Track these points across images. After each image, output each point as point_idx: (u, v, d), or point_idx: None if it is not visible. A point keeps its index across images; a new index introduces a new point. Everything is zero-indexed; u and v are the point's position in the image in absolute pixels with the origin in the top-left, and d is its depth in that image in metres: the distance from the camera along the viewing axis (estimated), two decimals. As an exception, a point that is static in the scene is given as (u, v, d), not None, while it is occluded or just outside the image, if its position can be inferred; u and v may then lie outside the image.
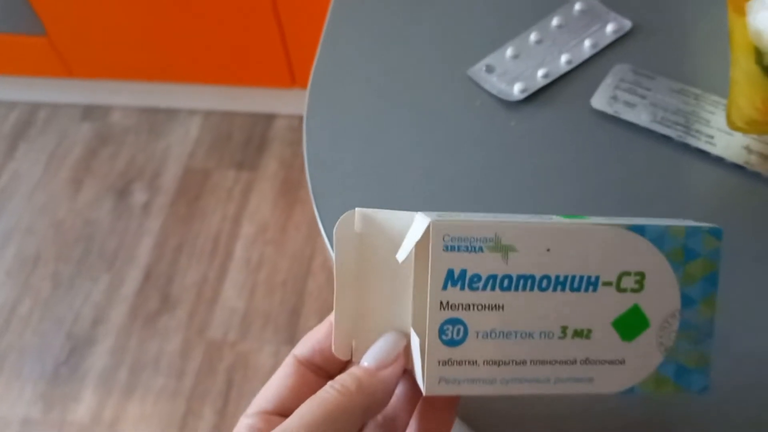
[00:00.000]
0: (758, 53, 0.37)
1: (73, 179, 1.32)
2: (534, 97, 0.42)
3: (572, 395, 0.25)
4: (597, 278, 0.24)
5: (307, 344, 0.27)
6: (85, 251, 1.23)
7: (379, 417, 0.27)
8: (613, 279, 0.24)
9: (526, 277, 0.24)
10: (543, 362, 0.24)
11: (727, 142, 0.39)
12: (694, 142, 0.39)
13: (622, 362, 0.24)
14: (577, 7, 0.46)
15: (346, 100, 0.43)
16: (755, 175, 0.38)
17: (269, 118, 1.37)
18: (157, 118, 1.39)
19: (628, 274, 0.24)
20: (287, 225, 1.23)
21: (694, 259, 0.25)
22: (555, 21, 0.45)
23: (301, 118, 0.44)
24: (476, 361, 0.24)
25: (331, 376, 0.26)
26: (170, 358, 1.10)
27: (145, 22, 1.18)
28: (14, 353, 1.12)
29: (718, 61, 0.42)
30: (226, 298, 1.16)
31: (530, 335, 0.24)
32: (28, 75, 1.36)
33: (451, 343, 0.24)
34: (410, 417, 0.27)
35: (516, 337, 0.24)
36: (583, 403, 0.32)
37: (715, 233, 0.25)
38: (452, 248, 0.24)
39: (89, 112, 1.42)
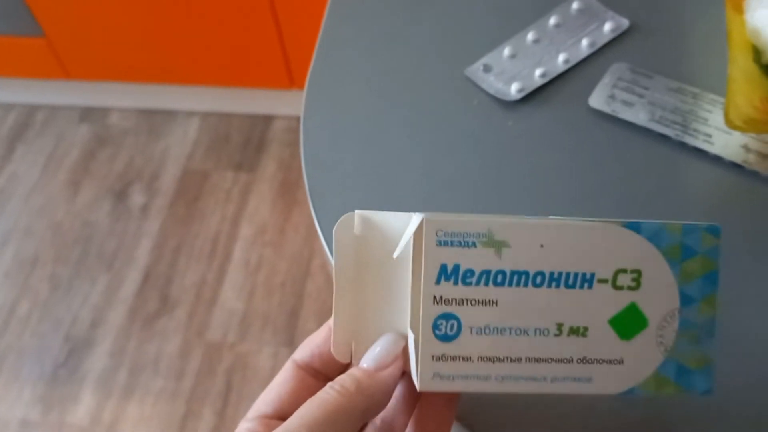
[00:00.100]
0: (756, 51, 0.37)
1: (72, 181, 1.32)
2: (531, 96, 0.42)
3: (571, 396, 0.25)
4: (592, 275, 0.24)
5: (306, 349, 0.27)
6: (83, 253, 1.23)
7: (378, 420, 0.27)
8: (609, 276, 0.24)
9: (519, 273, 0.24)
10: (539, 360, 0.24)
11: (725, 140, 0.39)
12: (692, 140, 0.39)
13: (620, 362, 0.24)
14: (575, 6, 0.45)
15: (343, 100, 0.43)
16: (753, 174, 0.38)
17: (268, 120, 1.37)
18: (155, 120, 1.39)
19: (624, 271, 0.24)
20: (286, 226, 1.23)
21: (691, 256, 0.25)
22: (552, 20, 0.45)
23: (299, 119, 0.44)
24: (470, 357, 0.24)
25: (330, 380, 0.26)
26: (169, 359, 1.10)
27: (143, 24, 1.17)
28: (13, 355, 1.12)
29: (716, 60, 0.42)
30: (225, 299, 1.15)
31: (525, 332, 0.24)
32: (26, 77, 1.36)
33: (445, 338, 0.24)
34: (408, 420, 0.27)
35: (510, 333, 0.24)
36: (583, 404, 0.32)
37: (714, 231, 0.25)
38: (445, 243, 0.24)
39: (87, 113, 1.42)
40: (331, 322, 0.27)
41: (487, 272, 0.24)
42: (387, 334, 0.26)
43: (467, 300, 0.24)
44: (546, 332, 0.24)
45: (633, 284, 0.24)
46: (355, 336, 0.26)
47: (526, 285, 0.24)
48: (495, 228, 0.24)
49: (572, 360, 0.24)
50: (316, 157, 0.41)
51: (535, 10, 0.46)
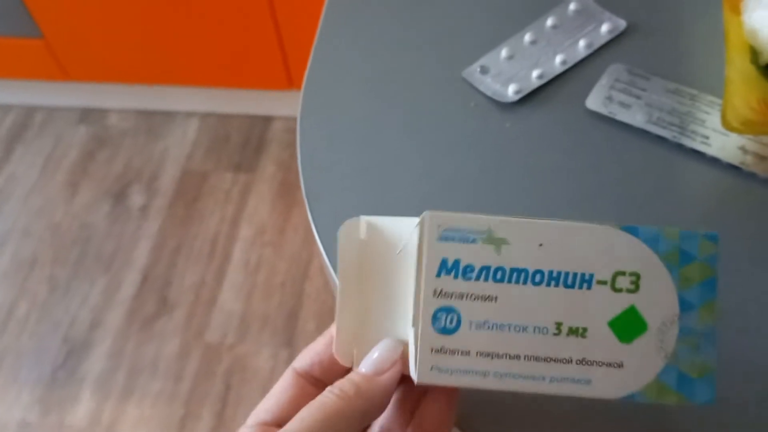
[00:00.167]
0: (754, 52, 0.37)
1: (70, 182, 1.32)
2: (529, 98, 0.42)
3: (572, 400, 0.25)
4: (591, 276, 0.24)
5: (306, 356, 0.28)
6: (82, 254, 1.22)
7: (376, 427, 0.27)
8: (608, 278, 0.24)
9: (519, 271, 0.24)
10: (537, 358, 0.24)
11: (722, 142, 0.39)
12: (689, 142, 0.39)
13: (620, 365, 0.24)
14: (572, 7, 0.45)
15: (340, 101, 0.43)
16: (751, 176, 0.38)
17: (267, 120, 1.37)
18: (154, 121, 1.39)
19: (622, 273, 0.24)
20: (285, 227, 1.23)
21: (689, 262, 0.25)
22: (549, 21, 0.45)
23: (297, 120, 0.44)
24: (469, 352, 0.24)
25: None
26: (168, 361, 1.10)
27: (141, 25, 1.17)
28: (11, 357, 1.12)
29: (714, 61, 0.42)
30: (224, 300, 1.15)
31: (524, 329, 0.24)
32: (24, 78, 1.36)
33: (444, 331, 0.24)
34: (407, 427, 0.27)
35: (509, 330, 0.24)
36: (580, 415, 0.32)
37: (712, 238, 0.25)
38: (446, 238, 0.24)
39: (86, 115, 1.41)
40: (331, 329, 0.28)
41: (487, 268, 0.24)
42: (385, 340, 0.26)
43: (467, 294, 0.24)
44: (545, 331, 0.24)
45: (632, 287, 0.24)
46: (357, 340, 0.27)
47: (525, 283, 0.24)
48: (495, 226, 0.24)
49: (571, 360, 0.24)
50: (312, 158, 0.41)
51: (532, 11, 0.46)
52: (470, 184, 0.39)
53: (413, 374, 0.25)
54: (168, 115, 1.39)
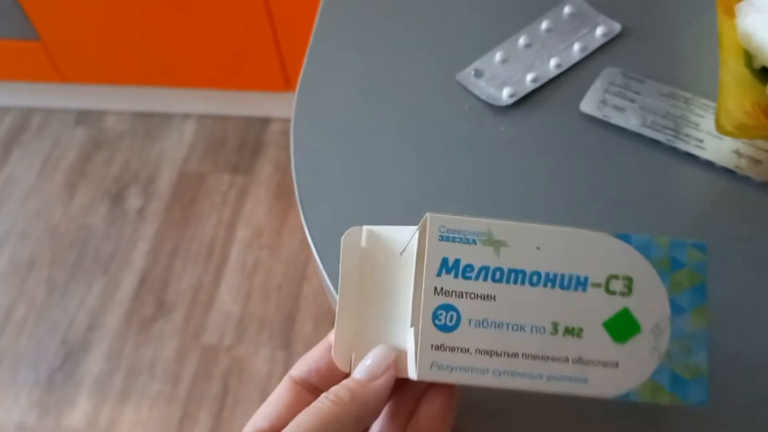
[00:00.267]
0: (747, 56, 0.37)
1: (68, 184, 1.32)
2: (523, 101, 0.42)
3: (568, 397, 0.25)
4: (586, 279, 0.25)
5: (303, 364, 0.28)
6: (79, 256, 1.22)
7: None
8: (602, 281, 0.25)
9: (517, 271, 0.25)
10: (535, 357, 0.25)
11: (716, 146, 0.39)
12: (683, 146, 0.39)
13: (615, 365, 0.25)
14: (567, 10, 0.45)
15: (334, 105, 0.43)
16: (745, 179, 0.38)
17: (264, 122, 1.37)
18: (151, 123, 1.39)
19: (616, 277, 0.25)
20: (282, 229, 1.23)
21: (679, 268, 0.26)
22: (544, 24, 0.45)
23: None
24: (468, 349, 0.25)
25: None
26: (166, 363, 1.10)
27: (139, 27, 1.17)
28: (9, 359, 1.12)
29: (708, 64, 0.42)
30: (221, 302, 1.15)
31: (522, 328, 0.25)
32: (21, 80, 1.36)
33: (444, 328, 0.25)
34: None
35: (508, 328, 0.25)
36: (576, 420, 0.32)
37: (700, 247, 0.26)
38: (447, 239, 0.25)
39: (83, 117, 1.41)
40: (329, 336, 0.28)
41: (486, 268, 0.25)
42: (379, 347, 0.27)
43: (466, 293, 0.25)
44: (542, 330, 0.25)
45: (625, 290, 0.25)
46: (355, 346, 0.27)
47: (523, 283, 0.25)
48: (494, 228, 0.25)
49: (568, 360, 0.25)
50: (306, 161, 0.41)
51: (527, 14, 0.46)
52: (464, 188, 0.39)
53: (413, 372, 0.25)
54: (165, 117, 1.39)
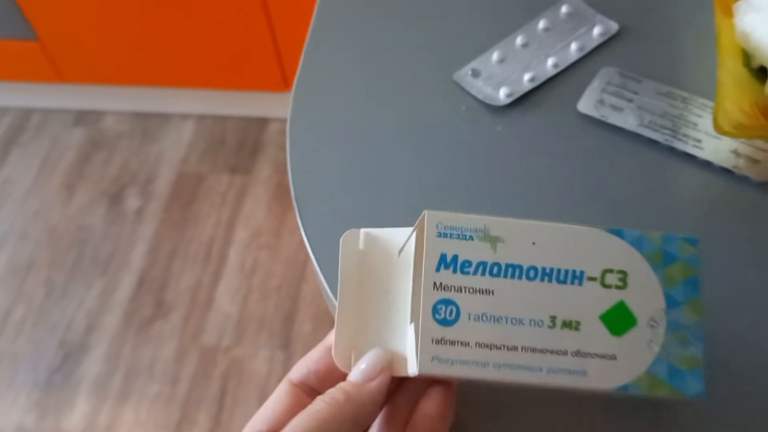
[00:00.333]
0: (746, 55, 0.37)
1: (66, 185, 1.32)
2: (520, 101, 0.42)
3: (568, 390, 0.25)
4: (582, 273, 0.26)
5: (302, 367, 0.29)
6: (78, 257, 1.22)
7: None
8: (597, 275, 0.26)
9: (514, 266, 0.26)
10: (534, 350, 0.25)
11: (714, 145, 0.38)
12: (681, 146, 0.39)
13: (613, 357, 0.25)
14: (564, 9, 0.45)
15: (330, 104, 0.43)
16: (743, 179, 0.37)
17: (262, 122, 1.37)
18: (149, 123, 1.39)
19: (611, 271, 0.26)
20: (281, 229, 1.23)
21: (672, 262, 0.26)
22: (541, 24, 0.45)
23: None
24: (468, 343, 0.25)
25: None
26: (164, 364, 1.09)
27: (137, 27, 1.17)
28: (7, 360, 1.12)
29: (706, 64, 0.42)
30: (220, 303, 1.15)
31: (520, 321, 0.25)
32: (20, 80, 1.36)
33: (444, 322, 0.25)
34: None
35: (507, 322, 0.25)
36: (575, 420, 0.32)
37: (691, 241, 0.27)
38: (445, 235, 0.26)
39: (82, 117, 1.41)
40: (327, 338, 0.29)
41: (484, 264, 0.26)
42: (373, 350, 0.27)
43: (465, 288, 0.25)
44: (540, 323, 0.25)
45: (620, 284, 0.26)
46: (355, 346, 0.28)
47: (520, 278, 0.26)
48: (491, 225, 0.26)
49: (567, 352, 0.25)
50: (302, 162, 0.40)
51: (524, 14, 0.45)
52: (461, 188, 0.39)
53: (414, 366, 0.25)
54: (163, 117, 1.39)
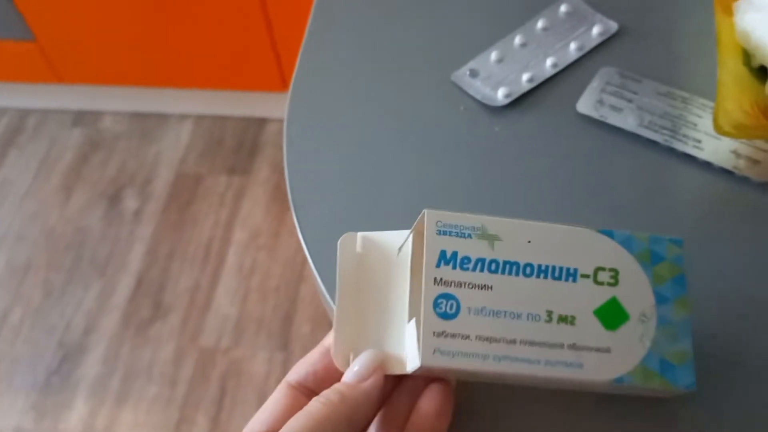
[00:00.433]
0: (746, 54, 0.37)
1: (64, 186, 1.31)
2: (519, 101, 0.41)
3: (566, 381, 0.26)
4: (576, 270, 0.27)
5: (300, 368, 0.29)
6: (76, 258, 1.22)
7: None
8: (590, 272, 0.27)
9: (511, 263, 0.27)
10: (532, 343, 0.26)
11: (714, 146, 0.38)
12: (681, 146, 0.38)
13: (608, 350, 0.26)
14: (563, 9, 0.45)
15: (327, 105, 0.43)
16: (743, 180, 0.37)
17: (261, 123, 1.37)
18: (148, 124, 1.38)
19: (603, 269, 0.27)
20: (280, 230, 1.22)
21: (660, 261, 0.28)
22: (540, 23, 0.44)
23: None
24: (469, 336, 0.26)
25: None
26: (163, 365, 1.09)
27: (134, 28, 1.17)
28: (5, 362, 1.12)
29: (706, 63, 0.41)
30: (218, 304, 1.15)
31: (518, 316, 0.26)
32: (17, 81, 1.35)
33: (445, 316, 0.26)
34: None
35: (505, 316, 0.26)
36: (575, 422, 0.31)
37: (676, 242, 0.28)
38: (444, 233, 0.27)
39: (80, 117, 1.41)
40: (325, 341, 0.30)
41: (482, 260, 0.27)
42: (366, 352, 0.28)
43: (465, 283, 0.26)
44: (537, 318, 0.26)
45: (612, 281, 0.27)
46: (354, 346, 0.28)
47: (517, 274, 0.27)
48: (488, 223, 0.27)
49: (563, 346, 0.26)
50: (299, 164, 0.40)
51: (523, 13, 0.45)
52: (459, 189, 0.38)
53: (416, 359, 0.26)
54: (162, 118, 1.39)
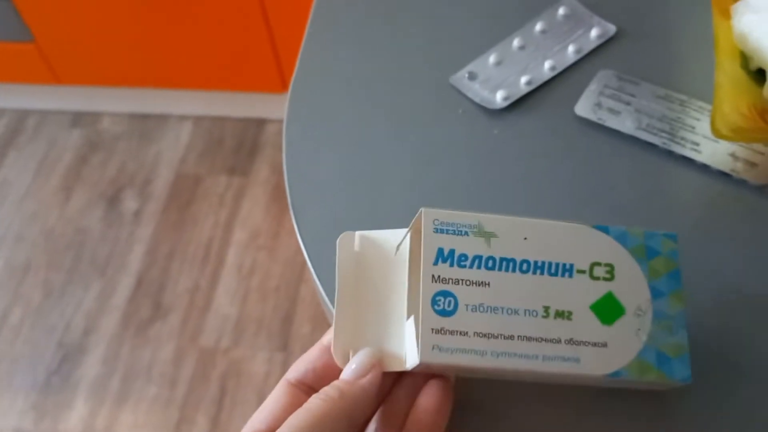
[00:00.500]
0: (743, 57, 0.37)
1: (64, 186, 1.31)
2: (517, 104, 0.42)
3: (564, 376, 0.27)
4: (572, 266, 0.27)
5: (299, 365, 0.29)
6: (75, 259, 1.22)
7: None
8: (586, 268, 0.28)
9: (508, 260, 0.27)
10: (530, 338, 0.26)
11: (712, 149, 0.38)
12: (679, 149, 0.38)
13: (604, 345, 0.27)
14: (561, 11, 0.45)
15: (326, 106, 0.43)
16: (741, 183, 0.37)
17: (260, 123, 1.37)
18: (147, 124, 1.38)
19: (598, 264, 0.28)
20: (279, 231, 1.23)
21: (655, 256, 0.28)
22: (538, 26, 0.44)
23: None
24: (467, 332, 0.26)
25: None
26: (163, 365, 1.09)
27: (134, 28, 1.17)
28: (5, 363, 1.12)
29: (704, 66, 0.42)
30: (218, 304, 1.15)
31: (516, 312, 0.27)
32: (16, 82, 1.35)
33: (443, 312, 0.26)
34: None
35: (503, 312, 0.27)
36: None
37: (671, 237, 0.29)
38: (441, 231, 0.27)
39: (79, 118, 1.41)
40: (324, 338, 0.30)
41: (479, 257, 0.27)
42: (362, 350, 0.28)
43: (462, 280, 0.27)
44: (534, 313, 0.27)
45: (608, 276, 0.28)
46: (353, 344, 0.28)
47: (514, 271, 0.27)
48: (484, 221, 0.28)
49: (560, 341, 0.27)
50: (298, 165, 0.40)
51: (521, 16, 0.45)
52: (458, 192, 0.38)
53: (415, 355, 0.26)
54: (161, 119, 1.39)
